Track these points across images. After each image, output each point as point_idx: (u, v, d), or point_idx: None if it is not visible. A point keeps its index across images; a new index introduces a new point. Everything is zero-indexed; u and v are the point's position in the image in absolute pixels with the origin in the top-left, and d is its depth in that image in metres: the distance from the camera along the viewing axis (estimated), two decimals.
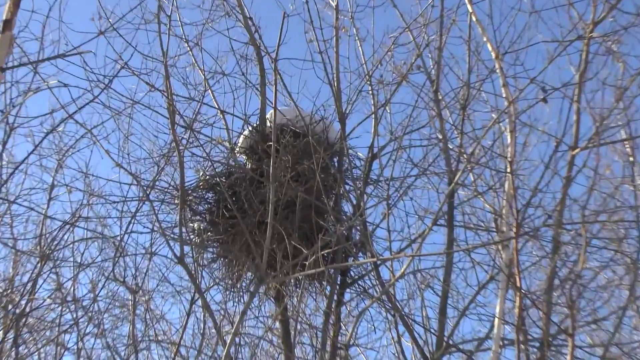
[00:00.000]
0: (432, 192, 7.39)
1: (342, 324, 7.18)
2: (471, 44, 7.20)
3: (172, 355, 7.34)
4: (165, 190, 7.19)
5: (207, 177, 7.25)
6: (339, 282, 7.09)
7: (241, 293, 7.22)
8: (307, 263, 5.88)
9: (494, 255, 6.96)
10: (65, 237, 7.30)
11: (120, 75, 6.48)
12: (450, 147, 7.08)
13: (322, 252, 5.91)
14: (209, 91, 7.41)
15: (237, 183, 7.03)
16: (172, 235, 6.97)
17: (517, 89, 6.77)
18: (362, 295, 7.29)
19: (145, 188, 6.86)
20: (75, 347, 7.22)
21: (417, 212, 7.31)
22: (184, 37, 7.37)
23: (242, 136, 7.41)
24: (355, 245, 7.14)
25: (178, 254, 6.41)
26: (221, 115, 7.47)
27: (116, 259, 7.15)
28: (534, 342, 6.52)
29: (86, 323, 7.30)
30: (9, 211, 7.65)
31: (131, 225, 6.98)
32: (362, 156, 7.47)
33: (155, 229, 7.01)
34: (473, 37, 7.21)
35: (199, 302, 7.03)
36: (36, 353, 7.42)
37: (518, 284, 5.63)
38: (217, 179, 7.13)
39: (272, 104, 6.43)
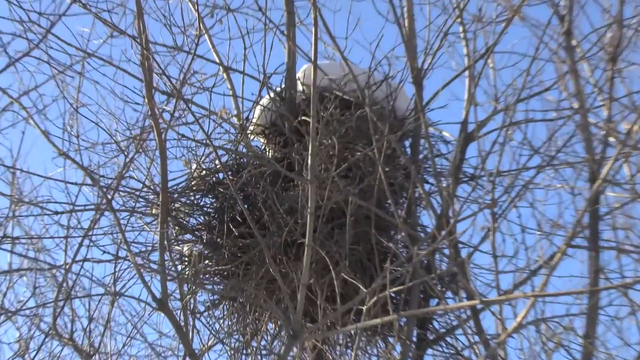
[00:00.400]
0: (564, 193, 7.42)
1: None
2: None
3: None
4: (138, 193, 7.25)
5: (204, 172, 7.39)
6: (415, 338, 7.21)
7: (260, 355, 7.31)
8: (364, 308, 5.98)
9: None
10: None
11: (68, 13, 6.59)
12: (593, 122, 7.03)
13: (389, 291, 5.87)
14: (206, 37, 7.74)
15: (252, 182, 7.14)
16: (148, 266, 7.03)
17: None
18: (452, 359, 7.39)
19: (105, 190, 6.76)
20: None
21: (539, 227, 7.33)
22: None
23: (258, 107, 7.51)
24: (441, 279, 7.23)
25: (158, 295, 6.32)
26: (225, 75, 7.74)
27: (60, 303, 6.98)
28: None
29: None
30: None
31: (83, 249, 6.89)
32: (451, 138, 7.65)
33: (121, 255, 6.96)
34: None
35: None
36: None
37: None
38: (220, 176, 7.32)
39: (308, 56, 6.83)
